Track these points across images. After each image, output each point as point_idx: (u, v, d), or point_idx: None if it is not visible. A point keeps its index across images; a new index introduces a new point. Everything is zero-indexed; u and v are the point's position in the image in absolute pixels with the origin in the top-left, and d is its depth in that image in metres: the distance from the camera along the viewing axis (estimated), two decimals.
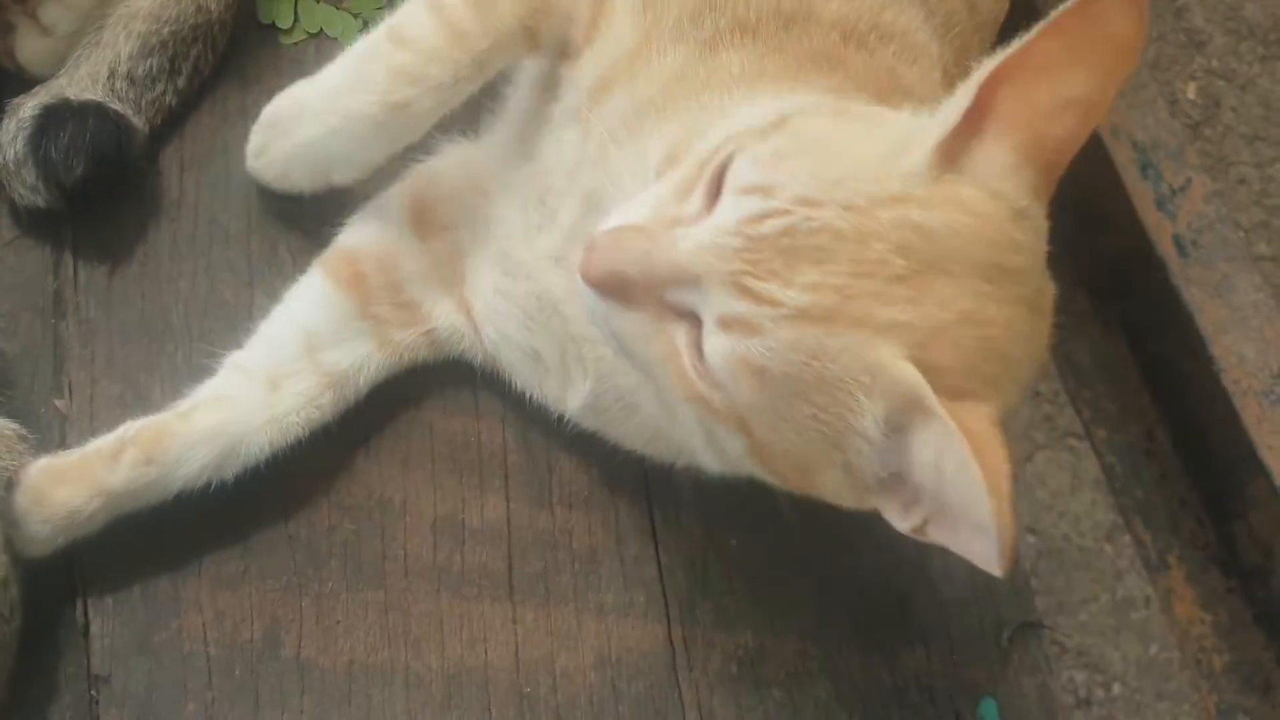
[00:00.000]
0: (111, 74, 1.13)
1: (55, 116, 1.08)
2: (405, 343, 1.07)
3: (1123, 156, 1.58)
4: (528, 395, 1.07)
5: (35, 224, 1.11)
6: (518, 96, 1.07)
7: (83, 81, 1.12)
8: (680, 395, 0.78)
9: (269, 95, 1.15)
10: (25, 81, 1.14)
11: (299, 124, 1.07)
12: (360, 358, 1.05)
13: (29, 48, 1.15)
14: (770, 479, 0.84)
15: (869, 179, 0.74)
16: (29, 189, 1.09)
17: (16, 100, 1.11)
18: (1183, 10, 2.20)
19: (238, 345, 1.05)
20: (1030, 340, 0.79)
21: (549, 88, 1.01)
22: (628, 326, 0.78)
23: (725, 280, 0.72)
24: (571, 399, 1.02)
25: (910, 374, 0.70)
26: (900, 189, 0.74)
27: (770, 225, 0.72)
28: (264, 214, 1.15)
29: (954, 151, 0.75)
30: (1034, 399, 1.90)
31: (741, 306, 0.72)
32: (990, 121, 0.76)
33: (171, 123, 1.18)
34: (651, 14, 0.93)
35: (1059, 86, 0.76)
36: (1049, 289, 0.80)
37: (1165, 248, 1.53)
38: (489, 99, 1.08)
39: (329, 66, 1.07)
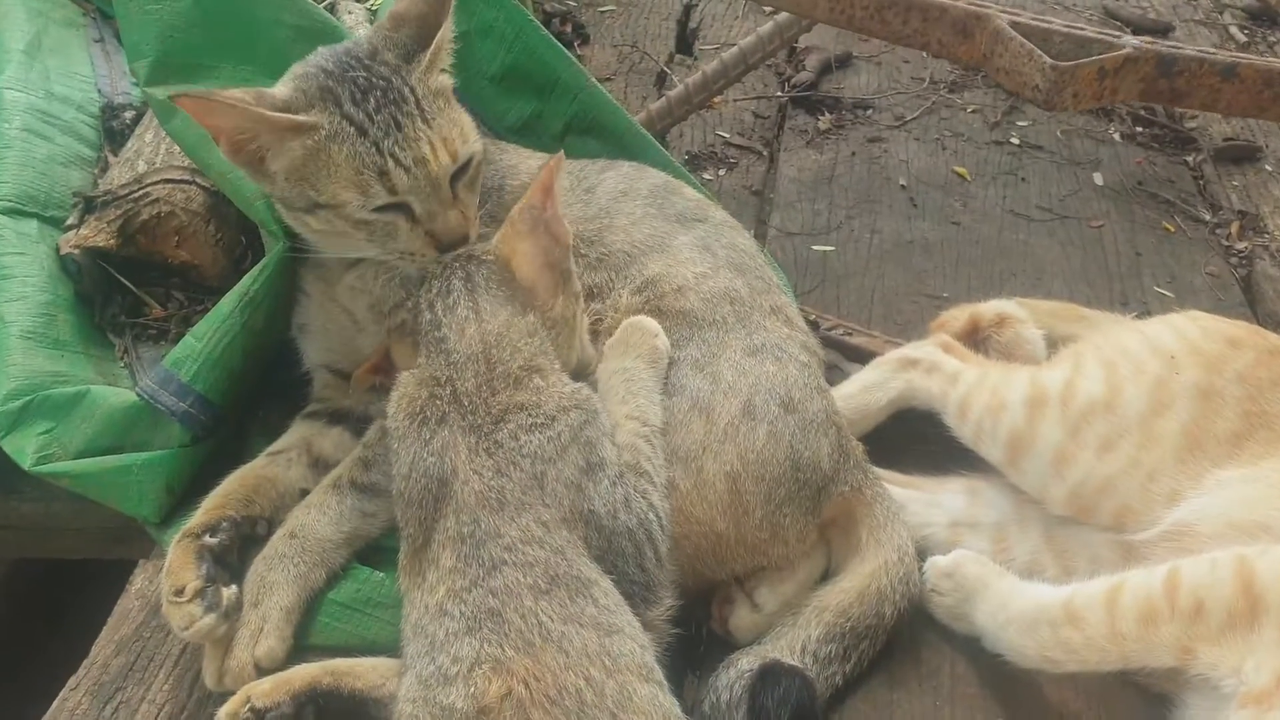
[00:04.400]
0: (803, 650, 1.40)
1: (771, 674, 1.34)
2: None
3: None
4: None
5: None
6: None
7: (780, 650, 1.39)
8: None
9: (919, 691, 1.37)
10: (727, 644, 1.43)
11: (971, 601, 1.43)
12: None
13: (741, 619, 1.45)
14: None
15: None
16: None
17: (732, 656, 1.38)
18: None
19: None
20: None
21: None
22: None
23: None
24: None
25: None
26: None
27: None
28: None
29: None
30: None
31: None
32: None
33: (834, 698, 1.40)
34: None
35: None
36: None
37: None
38: None
39: (1018, 593, 1.38)
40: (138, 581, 1.54)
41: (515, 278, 1.37)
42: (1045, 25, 1.47)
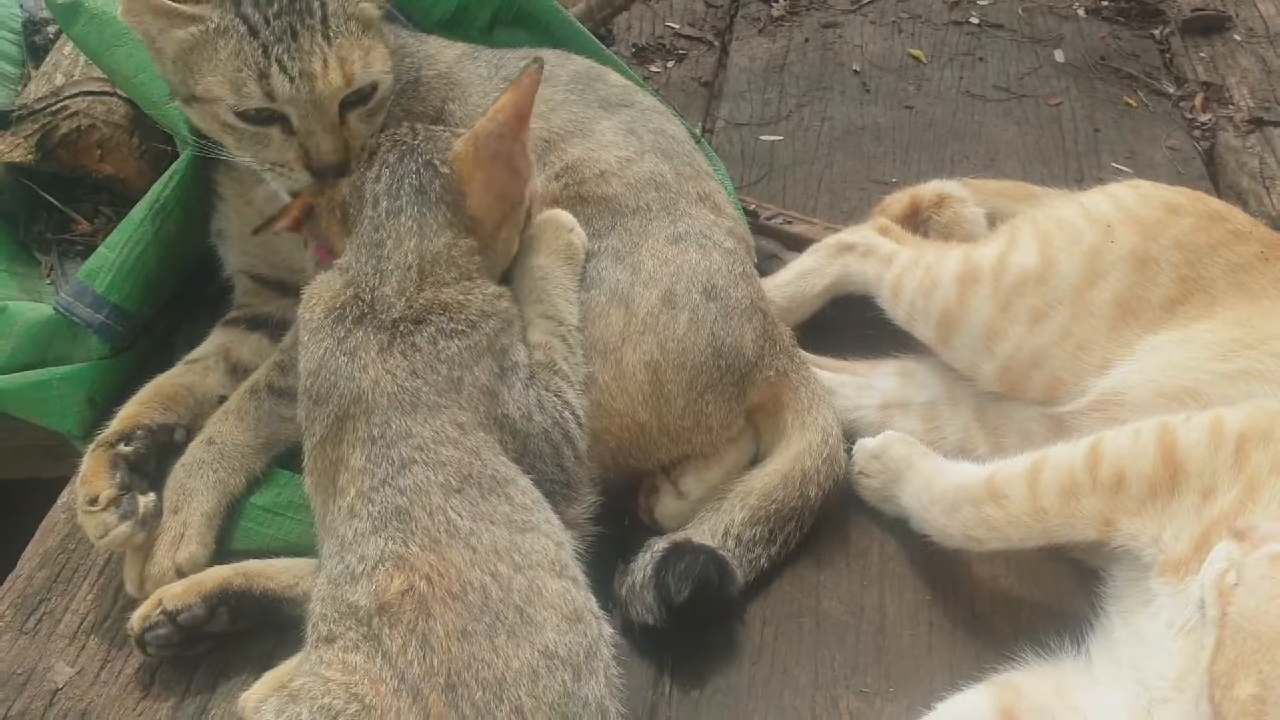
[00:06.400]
0: (725, 533, 1.38)
1: (677, 551, 1.33)
2: None
3: None
4: None
5: (644, 644, 1.32)
6: (1106, 624, 1.20)
7: (703, 534, 1.38)
8: None
9: (847, 571, 1.37)
10: (656, 533, 1.42)
11: (898, 483, 1.41)
12: None
13: (666, 507, 1.44)
14: None
15: None
16: (645, 608, 1.31)
17: (652, 539, 1.38)
18: None
19: None
20: None
21: (1145, 602, 1.15)
22: None
23: None
24: None
25: None
26: None
27: None
28: (829, 675, 1.31)
29: None
30: None
31: None
32: None
33: (759, 582, 1.40)
34: None
35: None
36: None
37: None
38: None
39: (941, 473, 1.35)
40: (65, 496, 1.53)
41: (464, 204, 1.32)
42: None
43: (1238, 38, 2.56)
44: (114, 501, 1.32)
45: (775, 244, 1.83)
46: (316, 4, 1.34)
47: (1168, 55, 2.53)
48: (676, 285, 1.43)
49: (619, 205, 1.50)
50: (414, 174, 1.32)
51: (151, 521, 1.34)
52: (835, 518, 1.47)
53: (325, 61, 1.32)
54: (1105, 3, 2.67)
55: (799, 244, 1.80)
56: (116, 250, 1.52)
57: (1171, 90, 2.40)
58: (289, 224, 1.35)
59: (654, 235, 1.47)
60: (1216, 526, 1.15)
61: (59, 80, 1.87)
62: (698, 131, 1.99)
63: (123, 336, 1.53)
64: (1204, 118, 2.32)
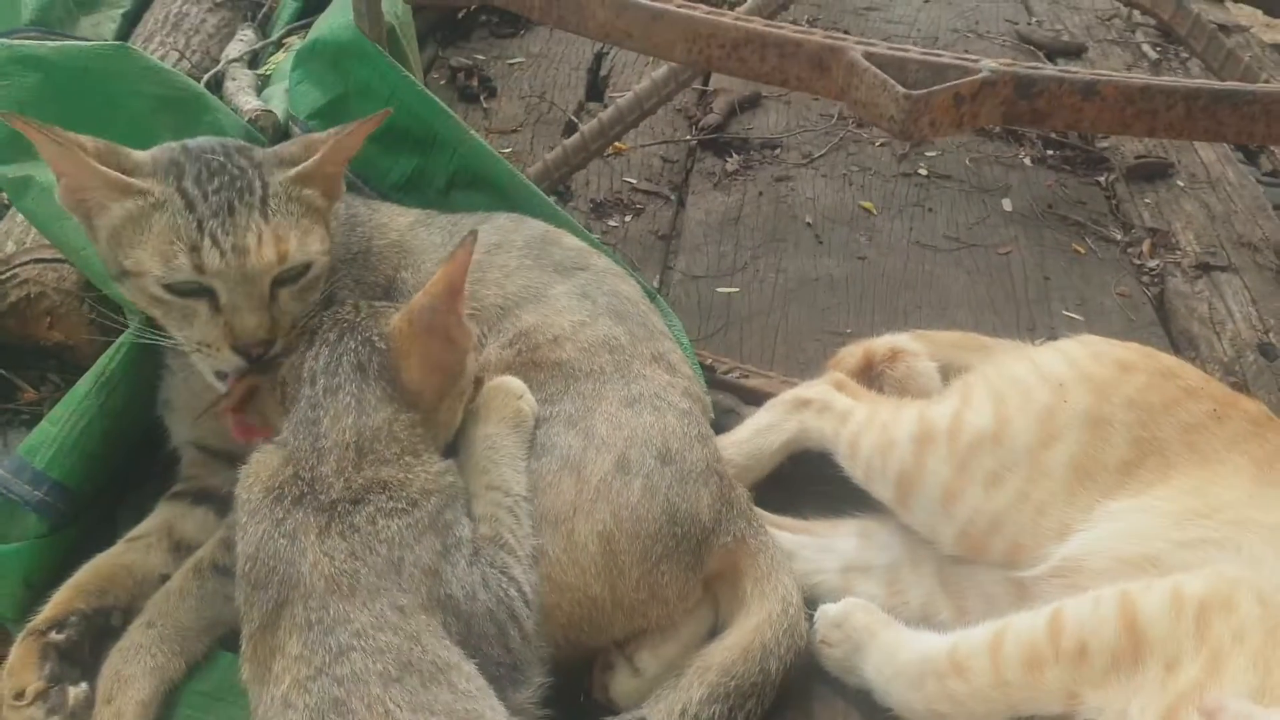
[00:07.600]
0: (683, 712, 1.33)
1: None
2: None
3: None
4: None
5: None
6: None
7: (659, 714, 1.33)
8: None
9: None
10: (611, 712, 1.36)
11: (860, 653, 1.38)
12: None
13: (621, 685, 1.39)
14: None
15: None
16: None
17: None
18: None
19: None
20: None
21: None
22: None
23: None
24: None
25: None
26: None
27: None
28: None
29: None
30: None
31: None
32: None
33: None
34: None
35: None
36: None
37: None
38: None
39: (903, 644, 1.33)
40: None
41: (402, 378, 1.31)
42: (901, 54, 1.43)
43: (1180, 184, 2.63)
44: (42, 695, 1.27)
45: (732, 398, 1.82)
46: (258, 183, 1.36)
47: (1114, 202, 2.59)
48: (630, 450, 1.41)
49: (572, 369, 1.49)
50: (352, 351, 1.32)
51: (81, 714, 1.28)
52: (797, 690, 1.43)
53: (260, 237, 1.33)
54: (1050, 152, 2.75)
55: (756, 398, 1.80)
56: (59, 425, 1.49)
57: (1119, 236, 2.46)
58: (232, 405, 1.33)
59: (607, 398, 1.46)
60: (1183, 701, 1.12)
61: (10, 248, 1.87)
62: (653, 288, 2.01)
63: (63, 514, 1.49)
64: (1152, 263, 2.37)
